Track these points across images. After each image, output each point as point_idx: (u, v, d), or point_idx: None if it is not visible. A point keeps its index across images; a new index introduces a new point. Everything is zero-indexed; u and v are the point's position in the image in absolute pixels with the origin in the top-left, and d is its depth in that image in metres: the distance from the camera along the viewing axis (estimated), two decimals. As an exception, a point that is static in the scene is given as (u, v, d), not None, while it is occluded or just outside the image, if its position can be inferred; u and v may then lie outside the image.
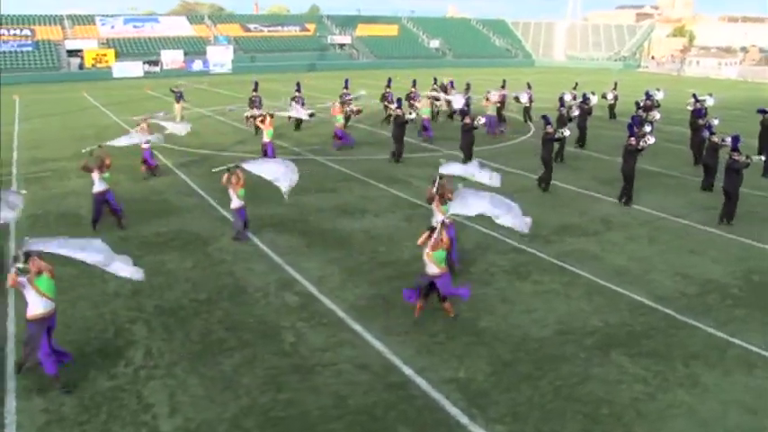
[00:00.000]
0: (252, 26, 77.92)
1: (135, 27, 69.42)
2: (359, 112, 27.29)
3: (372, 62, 76.75)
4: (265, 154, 20.20)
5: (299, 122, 28.27)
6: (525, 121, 30.21)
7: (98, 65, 62.03)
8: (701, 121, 21.15)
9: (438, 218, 11.10)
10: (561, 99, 29.58)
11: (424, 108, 26.15)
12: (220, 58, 67.97)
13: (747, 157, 15.38)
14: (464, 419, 7.51)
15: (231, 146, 24.75)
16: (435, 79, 33.64)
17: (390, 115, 27.36)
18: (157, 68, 63.76)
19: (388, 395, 7.98)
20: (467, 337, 9.53)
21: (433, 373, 8.47)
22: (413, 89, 30.09)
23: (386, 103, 29.39)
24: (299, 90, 28.56)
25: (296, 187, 17.73)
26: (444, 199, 11.54)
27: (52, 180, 19.55)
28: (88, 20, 68.90)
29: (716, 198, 16.81)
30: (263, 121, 20.91)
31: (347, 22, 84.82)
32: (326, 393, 8.07)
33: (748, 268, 12.55)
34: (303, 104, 27.89)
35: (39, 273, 8.02)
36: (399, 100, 24.17)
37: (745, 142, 16.73)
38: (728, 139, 16.23)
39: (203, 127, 29.03)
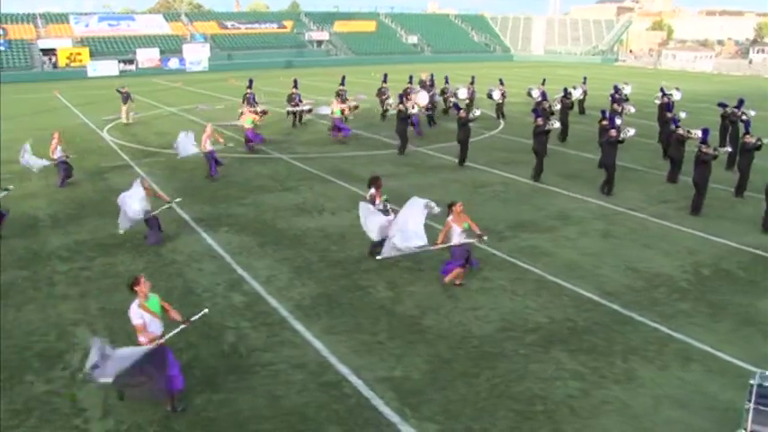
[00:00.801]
0: (229, 24, 77.50)
1: (110, 25, 68.77)
2: (356, 107, 27.75)
3: (350, 58, 76.64)
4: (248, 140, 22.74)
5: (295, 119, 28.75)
6: (498, 117, 30.29)
7: (72, 64, 61.41)
8: (669, 115, 21.37)
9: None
10: (529, 93, 29.84)
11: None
12: (197, 56, 67.58)
13: (715, 149, 15.77)
14: (395, 418, 7.53)
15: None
16: (411, 77, 33.63)
17: (387, 110, 28.17)
18: (133, 67, 63.25)
19: (321, 395, 7.99)
20: (409, 336, 9.54)
21: (369, 372, 8.48)
22: (409, 85, 30.17)
23: (383, 98, 29.52)
24: (295, 86, 28.75)
25: (255, 186, 17.92)
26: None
27: (12, 183, 19.26)
28: (62, 18, 68.19)
29: (677, 191, 17.04)
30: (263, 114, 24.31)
31: (325, 19, 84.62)
32: (261, 393, 8.06)
33: (698, 261, 12.67)
34: (301, 100, 28.50)
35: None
36: (401, 95, 24.58)
37: (713, 135, 16.98)
38: (695, 132, 16.61)
39: (171, 126, 28.81)
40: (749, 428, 5.78)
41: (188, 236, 14.11)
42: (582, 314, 10.33)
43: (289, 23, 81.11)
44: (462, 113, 20.89)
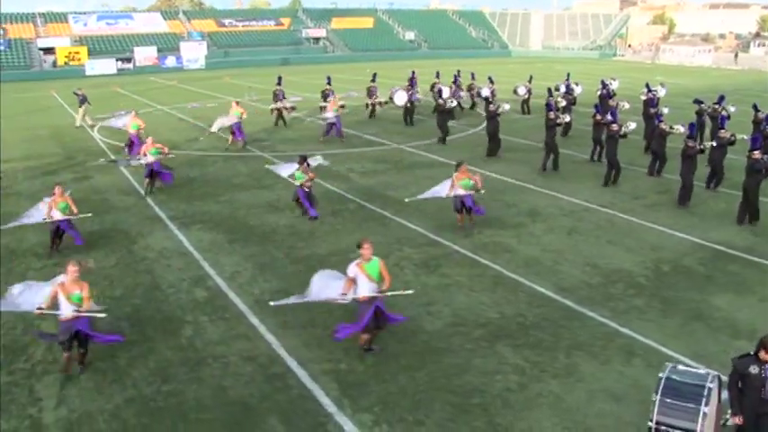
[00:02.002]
0: (227, 21, 77.77)
1: (108, 24, 69.13)
2: (293, 108, 28.94)
3: (347, 55, 76.82)
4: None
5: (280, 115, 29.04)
6: (523, 112, 30.51)
7: (71, 63, 61.77)
8: (652, 110, 21.66)
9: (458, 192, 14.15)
10: (515, 91, 30.11)
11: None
12: (194, 53, 67.84)
13: (701, 144, 16.20)
14: (332, 408, 7.83)
15: (184, 144, 24.84)
16: (438, 73, 33.85)
17: (375, 108, 29.43)
18: (130, 65, 63.58)
19: (266, 386, 8.30)
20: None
21: (315, 365, 8.78)
22: (436, 80, 30.56)
23: (372, 97, 29.87)
24: (279, 83, 29.06)
25: (233, 184, 18.24)
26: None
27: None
28: (61, 17, 68.59)
29: (651, 187, 17.37)
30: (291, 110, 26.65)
31: (323, 16, 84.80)
32: (209, 384, 8.38)
33: (660, 258, 12.90)
34: (284, 97, 28.87)
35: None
36: (441, 90, 25.74)
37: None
38: (677, 127, 17.20)
39: (159, 125, 29.10)
40: (655, 419, 6.03)
41: (161, 233, 14.43)
42: (533, 310, 10.59)
43: (286, 20, 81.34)
44: (492, 107, 21.94)
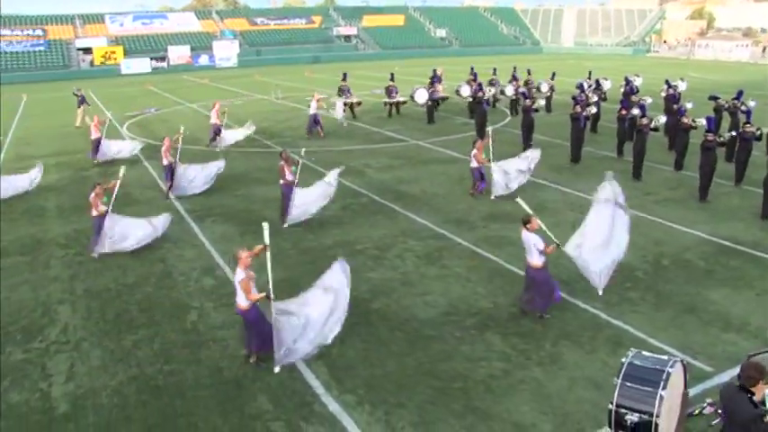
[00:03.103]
0: (259, 20, 78.88)
1: (143, 24, 70.79)
2: (359, 103, 29.54)
3: (377, 53, 77.32)
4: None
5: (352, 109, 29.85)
6: (548, 110, 30.66)
7: (107, 62, 63.47)
8: (675, 106, 21.67)
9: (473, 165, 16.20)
10: (538, 89, 30.19)
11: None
12: (226, 52, 69.08)
13: (720, 136, 16.39)
14: (320, 390, 8.26)
15: (206, 140, 25.51)
16: (495, 69, 34.23)
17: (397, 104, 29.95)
18: (164, 64, 65.02)
19: (260, 368, 8.76)
20: (354, 318, 10.16)
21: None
22: (494, 76, 31.57)
23: (391, 95, 30.34)
24: (344, 79, 29.99)
25: (251, 179, 18.79)
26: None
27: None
28: (98, 18, 70.47)
29: (666, 183, 17.51)
30: (357, 105, 28.43)
31: (354, 14, 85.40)
32: (207, 365, 8.89)
33: (661, 252, 13.03)
34: (350, 93, 29.68)
35: None
36: (524, 92, 26.10)
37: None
38: (700, 121, 17.42)
39: (188, 122, 29.79)
40: (615, 402, 6.30)
41: (177, 225, 15.02)
42: (527, 300, 10.83)
43: (317, 19, 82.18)
44: (528, 102, 22.50)
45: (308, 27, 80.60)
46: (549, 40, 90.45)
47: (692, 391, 7.82)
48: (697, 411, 7.70)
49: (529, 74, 32.77)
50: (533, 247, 9.84)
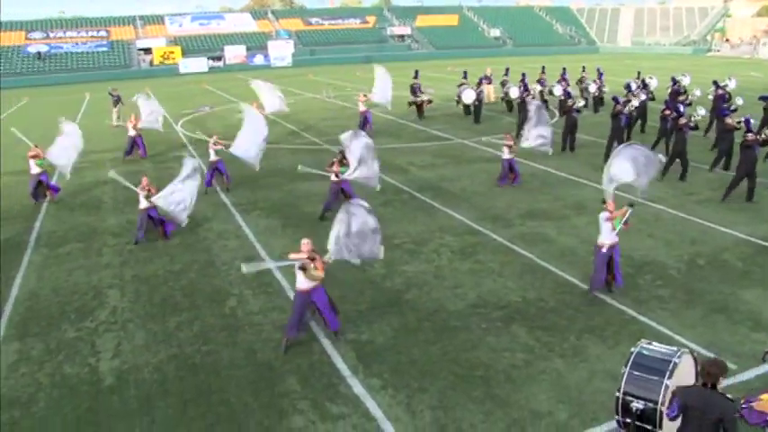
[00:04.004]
0: (313, 20, 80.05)
1: (201, 25, 72.78)
2: (430, 102, 29.84)
3: (430, 53, 77.53)
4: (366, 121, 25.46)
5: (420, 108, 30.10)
6: (596, 110, 30.57)
7: (166, 62, 65.55)
8: (725, 106, 21.42)
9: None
10: (586, 89, 29.99)
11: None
12: (281, 52, 70.40)
13: (760, 134, 16.22)
14: (346, 373, 8.67)
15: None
16: (543, 67, 34.36)
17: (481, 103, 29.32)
18: (221, 63, 66.71)
19: (291, 351, 9.23)
20: (386, 307, 10.63)
21: (339, 335, 9.64)
22: (542, 75, 31.60)
23: (418, 94, 30.62)
24: (416, 77, 30.47)
25: (297, 175, 19.33)
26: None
27: (89, 170, 21.71)
28: (158, 19, 72.81)
29: (708, 183, 17.41)
30: (428, 103, 28.47)
31: (408, 13, 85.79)
32: (242, 347, 9.42)
33: (698, 251, 12.98)
34: (421, 91, 30.08)
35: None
36: (568, 92, 26.11)
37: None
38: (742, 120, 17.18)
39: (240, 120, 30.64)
40: (622, 390, 6.51)
41: (223, 217, 15.74)
42: (556, 296, 11.03)
43: (371, 19, 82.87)
44: (570, 103, 22.80)
45: (362, 27, 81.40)
46: (606, 40, 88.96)
47: (714, 388, 7.89)
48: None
49: (584, 70, 32.54)
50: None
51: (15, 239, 14.90)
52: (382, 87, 26.82)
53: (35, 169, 17.41)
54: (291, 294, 11.14)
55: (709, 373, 5.56)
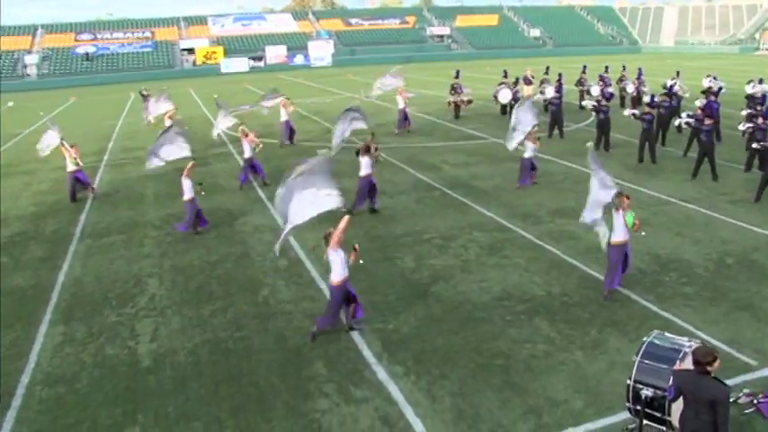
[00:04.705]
0: (353, 20, 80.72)
1: (243, 25, 74.07)
2: (470, 102, 30.18)
3: (469, 53, 77.51)
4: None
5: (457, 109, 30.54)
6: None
7: (208, 62, 66.92)
8: (759, 108, 21.19)
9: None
10: (624, 89, 29.81)
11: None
12: (321, 52, 71.24)
13: None
14: (371, 359, 9.02)
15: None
16: (585, 66, 34.39)
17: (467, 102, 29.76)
18: (261, 64, 67.84)
19: (320, 337, 9.62)
20: (413, 299, 10.95)
21: (366, 324, 9.99)
22: (583, 75, 31.72)
23: (457, 93, 30.85)
24: (457, 77, 31.08)
25: (334, 172, 19.73)
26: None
27: (132, 166, 22.56)
28: (201, 20, 74.39)
29: (744, 184, 17.14)
30: (468, 103, 28.97)
31: (448, 14, 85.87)
32: (273, 334, 9.86)
33: (727, 250, 12.95)
34: (462, 90, 30.49)
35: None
36: (610, 95, 25.59)
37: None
38: None
39: (277, 118, 31.29)
40: (633, 378, 6.72)
41: (259, 212, 16.26)
42: (580, 291, 11.19)
43: (411, 19, 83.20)
44: (604, 103, 22.57)
45: (401, 27, 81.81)
46: (648, 40, 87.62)
47: (733, 382, 8.02)
48: (732, 400, 7.92)
49: (624, 70, 32.36)
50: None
51: (62, 231, 15.67)
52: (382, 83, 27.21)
53: (70, 167, 18.07)
54: (322, 285, 11.59)
55: (698, 361, 5.74)
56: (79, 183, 18.33)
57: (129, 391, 8.50)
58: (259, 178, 18.99)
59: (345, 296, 9.58)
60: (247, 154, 18.41)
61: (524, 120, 17.05)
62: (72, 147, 18.19)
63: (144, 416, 7.94)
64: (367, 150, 15.47)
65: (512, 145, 17.11)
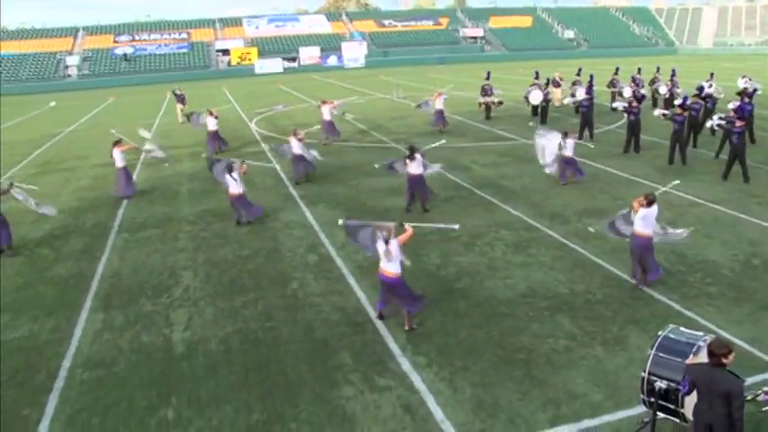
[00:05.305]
0: (387, 22, 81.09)
1: (277, 26, 75.01)
2: (500, 103, 30.46)
3: (503, 54, 77.31)
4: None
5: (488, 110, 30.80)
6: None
7: (242, 62, 67.96)
8: None
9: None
10: (657, 90, 29.64)
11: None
12: (354, 53, 71.79)
13: None
14: (396, 351, 9.30)
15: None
16: (618, 68, 34.39)
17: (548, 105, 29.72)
18: (295, 64, 68.62)
19: (347, 330, 9.95)
20: (439, 294, 11.20)
21: (392, 318, 10.27)
22: (615, 76, 31.74)
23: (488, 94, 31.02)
24: (488, 78, 31.53)
25: (363, 171, 20.15)
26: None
27: (167, 164, 23.14)
28: (236, 22, 75.55)
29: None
30: (499, 105, 29.43)
31: (481, 15, 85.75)
32: (301, 325, 10.21)
33: (754, 252, 12.92)
34: (492, 92, 30.76)
35: None
36: (642, 97, 25.73)
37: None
38: None
39: (310, 117, 31.80)
40: (647, 370, 6.88)
41: (291, 209, 16.67)
42: (604, 289, 11.31)
43: (444, 20, 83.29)
44: (634, 104, 22.48)
45: (434, 28, 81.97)
46: (686, 41, 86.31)
47: (752, 380, 8.11)
48: (750, 397, 8.00)
49: (657, 71, 32.18)
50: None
51: (101, 225, 16.28)
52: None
53: (120, 162, 18.69)
54: (351, 280, 11.94)
55: (712, 352, 5.90)
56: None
57: (163, 376, 8.92)
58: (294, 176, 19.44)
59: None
60: (297, 150, 18.78)
61: (549, 146, 18.20)
62: (124, 144, 18.84)
63: (177, 398, 8.34)
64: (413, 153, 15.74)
65: (551, 168, 18.31)
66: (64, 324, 10.68)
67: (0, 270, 13.36)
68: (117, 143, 18.70)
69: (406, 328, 9.89)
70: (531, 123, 25.43)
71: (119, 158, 18.44)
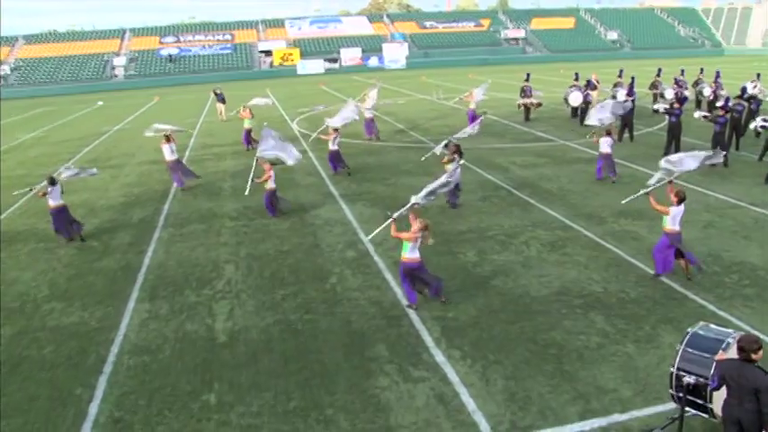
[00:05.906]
0: (428, 23, 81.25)
1: (319, 28, 75.81)
2: (539, 105, 30.60)
3: (545, 56, 76.80)
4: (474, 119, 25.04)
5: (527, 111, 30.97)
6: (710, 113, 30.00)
7: (285, 63, 68.89)
8: None
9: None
10: (701, 92, 29.26)
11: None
12: (395, 54, 72.15)
13: None
14: (430, 343, 9.56)
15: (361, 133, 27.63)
16: (660, 70, 34.22)
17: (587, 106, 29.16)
18: (336, 65, 69.29)
19: (383, 322, 10.24)
20: (474, 290, 11.42)
21: (427, 312, 10.55)
22: (657, 78, 31.68)
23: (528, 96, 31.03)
24: (527, 79, 31.75)
25: (401, 170, 20.44)
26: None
27: (211, 161, 23.86)
28: (279, 23, 76.62)
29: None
30: (538, 106, 29.71)
31: (523, 16, 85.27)
32: (339, 317, 10.54)
33: (794, 255, 12.86)
34: (531, 93, 31.05)
35: None
36: (684, 99, 25.43)
37: None
38: None
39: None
40: (676, 366, 7.00)
41: (330, 206, 17.05)
42: (638, 288, 11.38)
43: (486, 22, 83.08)
44: (676, 105, 22.36)
45: (476, 30, 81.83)
46: (733, 42, 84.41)
47: (785, 379, 8.14)
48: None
49: (701, 73, 31.77)
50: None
51: (148, 219, 16.89)
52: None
53: (171, 156, 19.31)
54: (389, 276, 12.22)
55: (742, 348, 6.01)
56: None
57: (206, 363, 9.33)
58: (332, 169, 20.25)
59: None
60: (332, 147, 19.42)
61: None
62: (170, 138, 19.52)
63: (219, 384, 8.74)
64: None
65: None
66: (112, 312, 11.21)
67: (55, 261, 14.01)
68: (167, 139, 19.36)
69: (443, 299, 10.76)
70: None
71: (167, 152, 19.07)
